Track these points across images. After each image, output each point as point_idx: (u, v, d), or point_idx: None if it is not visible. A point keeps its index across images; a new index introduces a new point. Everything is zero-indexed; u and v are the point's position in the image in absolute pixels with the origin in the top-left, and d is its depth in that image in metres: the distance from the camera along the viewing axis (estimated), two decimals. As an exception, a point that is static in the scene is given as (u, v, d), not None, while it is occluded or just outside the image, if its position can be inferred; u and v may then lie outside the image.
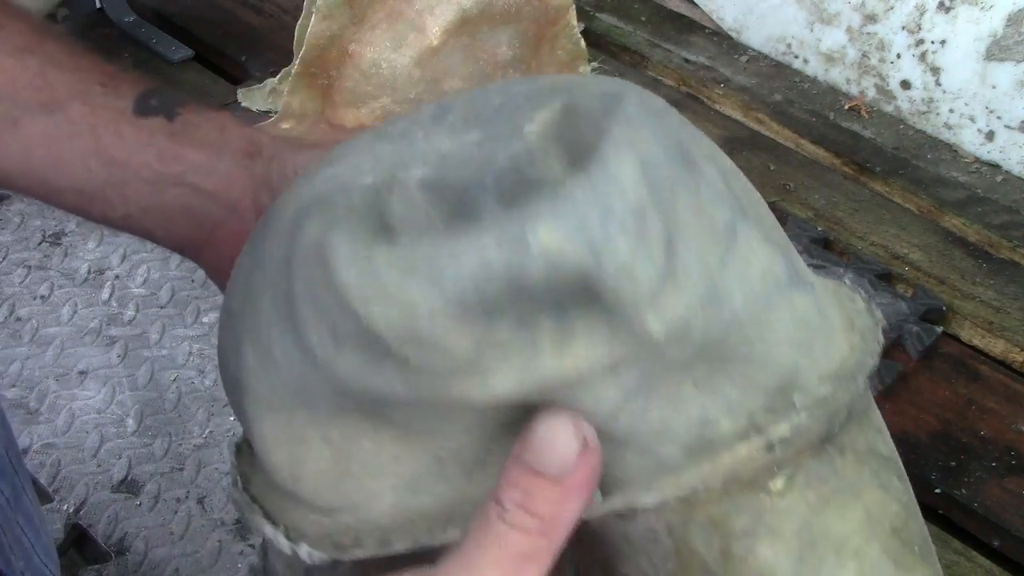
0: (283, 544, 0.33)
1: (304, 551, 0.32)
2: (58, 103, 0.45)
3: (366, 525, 0.32)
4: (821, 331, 0.32)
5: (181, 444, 0.80)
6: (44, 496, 0.77)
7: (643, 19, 1.30)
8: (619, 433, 0.31)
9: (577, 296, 0.27)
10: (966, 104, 1.11)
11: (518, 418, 0.31)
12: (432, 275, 0.27)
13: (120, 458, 0.80)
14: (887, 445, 0.35)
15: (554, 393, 0.29)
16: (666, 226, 0.28)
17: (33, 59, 0.45)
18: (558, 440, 0.29)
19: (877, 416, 0.35)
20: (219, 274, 0.47)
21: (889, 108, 1.17)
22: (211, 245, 0.46)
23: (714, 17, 1.28)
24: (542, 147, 0.28)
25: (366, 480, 0.32)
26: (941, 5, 1.10)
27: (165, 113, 0.46)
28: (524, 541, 0.28)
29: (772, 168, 1.07)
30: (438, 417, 0.30)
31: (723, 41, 1.27)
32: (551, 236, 0.26)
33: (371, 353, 0.28)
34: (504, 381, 0.28)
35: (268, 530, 0.33)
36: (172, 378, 0.85)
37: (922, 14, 1.11)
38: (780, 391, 0.31)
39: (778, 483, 0.31)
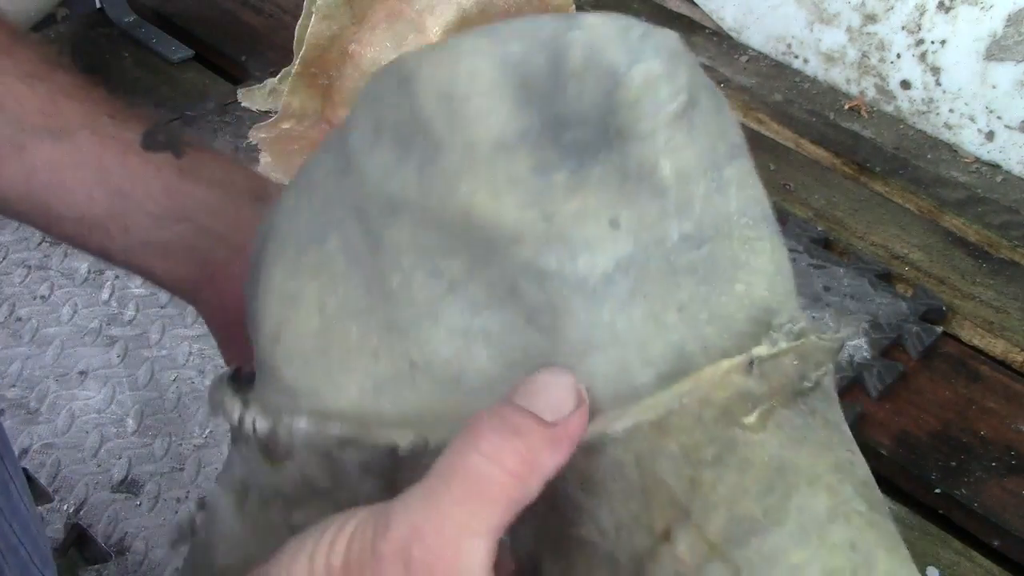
0: (234, 412, 0.33)
1: (250, 417, 0.33)
2: (66, 131, 0.45)
3: (318, 413, 0.32)
4: (793, 290, 0.33)
5: (181, 444, 0.80)
6: (44, 496, 0.77)
7: (643, 19, 1.30)
8: (600, 332, 0.30)
9: (600, 123, 0.29)
10: (966, 104, 1.11)
11: (504, 349, 0.31)
12: (484, 39, 0.30)
13: (120, 458, 0.80)
14: (851, 435, 0.35)
15: (554, 235, 0.30)
16: (691, 85, 0.31)
17: (43, 86, 0.45)
18: (557, 387, 0.29)
19: (841, 414, 0.35)
20: (217, 317, 0.47)
21: (889, 108, 1.17)
22: (212, 286, 0.46)
23: (714, 17, 1.28)
24: None
25: (337, 371, 0.32)
26: (941, 5, 1.09)
27: (173, 149, 0.45)
28: (498, 481, 0.27)
29: (772, 168, 1.07)
30: (433, 284, 0.31)
31: (723, 41, 1.27)
32: (598, 28, 0.29)
33: (402, 141, 0.30)
34: (512, 202, 0.29)
35: (227, 400, 0.33)
36: (172, 378, 0.85)
37: (922, 14, 1.11)
38: (757, 325, 0.32)
39: (751, 418, 0.31)
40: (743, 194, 0.32)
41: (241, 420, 0.33)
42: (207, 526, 0.36)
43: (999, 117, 1.09)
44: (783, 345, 0.31)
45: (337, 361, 0.32)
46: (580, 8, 1.17)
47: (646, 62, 0.30)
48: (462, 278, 0.31)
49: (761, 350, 0.31)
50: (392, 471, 0.32)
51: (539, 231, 0.30)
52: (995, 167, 1.10)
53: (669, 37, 0.30)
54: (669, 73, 0.30)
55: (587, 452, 0.30)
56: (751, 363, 0.31)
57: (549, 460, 0.28)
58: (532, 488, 0.28)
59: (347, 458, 0.32)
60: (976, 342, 0.92)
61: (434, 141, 0.30)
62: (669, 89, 0.30)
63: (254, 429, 0.33)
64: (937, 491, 0.79)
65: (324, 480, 0.32)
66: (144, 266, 0.46)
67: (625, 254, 0.30)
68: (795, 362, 0.31)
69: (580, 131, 0.29)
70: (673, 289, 0.31)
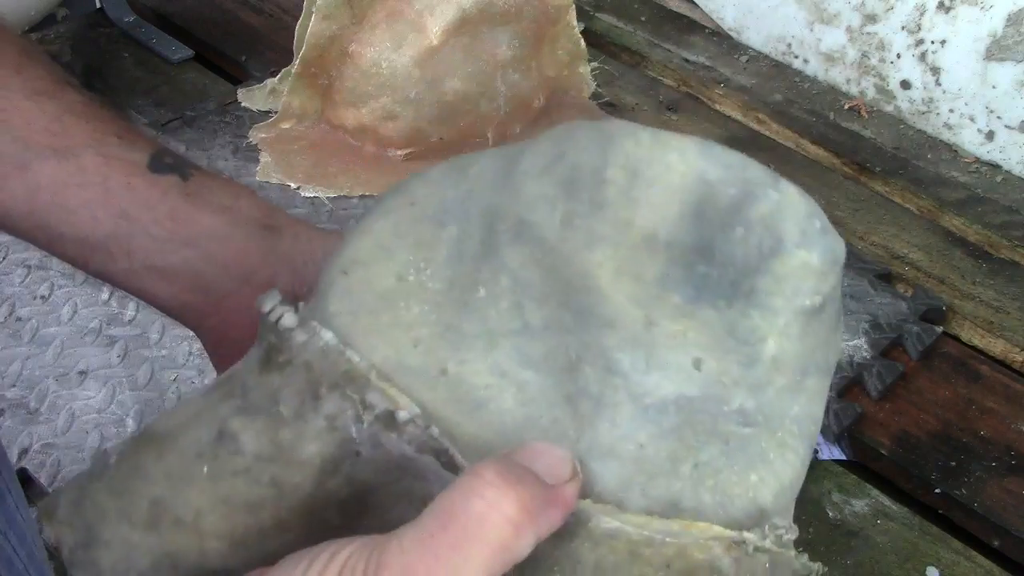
0: (270, 303, 0.34)
1: (282, 311, 0.33)
2: (71, 150, 0.44)
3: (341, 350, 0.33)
4: (792, 504, 0.35)
5: (181, 444, 0.80)
6: (44, 496, 0.77)
7: (643, 19, 1.30)
8: (627, 446, 0.31)
9: (739, 275, 0.30)
10: (966, 104, 1.11)
11: (532, 409, 0.32)
12: (695, 148, 0.31)
13: (120, 458, 0.79)
14: None
15: (643, 341, 0.31)
16: (831, 293, 0.32)
17: (51, 104, 0.45)
18: (555, 456, 0.30)
19: None
20: (220, 346, 0.46)
21: (889, 108, 1.17)
22: (218, 315, 0.45)
23: (714, 17, 1.28)
24: None
25: (375, 333, 0.33)
26: (941, 5, 1.09)
27: (179, 172, 0.45)
28: (496, 526, 0.27)
29: (772, 168, 1.06)
30: (509, 317, 0.32)
31: (723, 41, 1.27)
32: (791, 199, 0.31)
33: (570, 185, 0.31)
34: (626, 292, 0.31)
35: (270, 297, 0.34)
36: (172, 378, 0.85)
37: (922, 14, 1.11)
38: (748, 519, 0.33)
39: None
40: (808, 406, 0.34)
41: (272, 310, 0.34)
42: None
43: (999, 117, 1.09)
44: (767, 544, 0.33)
45: (381, 326, 0.33)
46: (580, 8, 1.17)
47: (812, 252, 0.31)
48: (537, 328, 0.32)
49: (751, 537, 0.32)
50: (349, 457, 0.32)
51: (633, 330, 0.31)
52: (995, 167, 1.10)
53: (840, 245, 0.32)
54: (823, 273, 0.31)
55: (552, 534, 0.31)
56: (737, 543, 0.32)
57: (544, 519, 0.28)
58: (525, 543, 0.27)
59: (325, 405, 0.32)
60: (976, 342, 0.92)
61: (598, 202, 0.31)
62: (815, 286, 0.31)
63: (278, 320, 0.33)
64: (937, 491, 0.79)
65: (289, 407, 0.32)
66: (147, 290, 0.46)
67: (688, 395, 0.32)
68: (767, 565, 0.33)
69: (718, 270, 0.31)
70: (702, 446, 0.32)
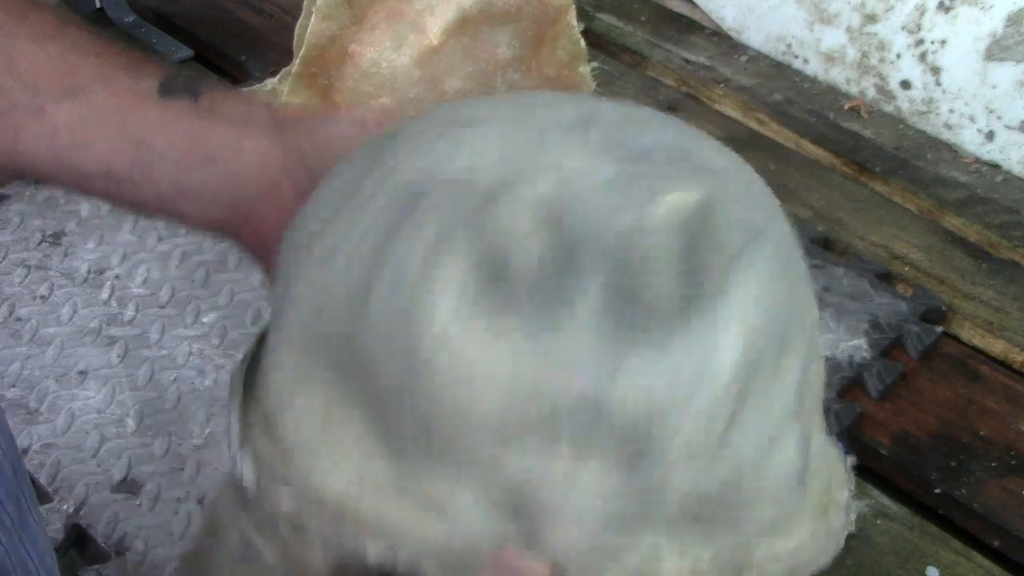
0: (234, 442, 0.35)
1: (241, 461, 0.34)
2: (81, 87, 0.45)
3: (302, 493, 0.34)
4: (795, 514, 0.36)
5: (181, 444, 0.80)
6: (44, 496, 0.77)
7: (643, 19, 1.30)
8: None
9: (626, 434, 0.30)
10: (966, 104, 1.11)
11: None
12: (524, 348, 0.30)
13: (120, 458, 0.80)
14: None
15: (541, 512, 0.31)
16: (734, 413, 0.31)
17: (55, 46, 0.45)
18: (524, 560, 0.32)
19: None
20: (261, 252, 0.47)
21: (889, 108, 1.17)
22: (251, 225, 0.46)
23: (714, 17, 1.28)
24: (664, 259, 0.30)
25: (327, 455, 0.33)
26: (941, 5, 1.09)
27: (190, 94, 0.46)
28: None
29: (772, 168, 1.07)
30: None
31: (723, 41, 1.27)
32: (640, 383, 0.29)
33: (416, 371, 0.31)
34: (517, 463, 0.31)
35: (232, 424, 0.35)
36: (172, 378, 0.85)
37: (922, 14, 1.11)
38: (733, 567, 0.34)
39: None
40: (776, 473, 0.34)
41: (235, 457, 0.35)
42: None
43: (999, 117, 1.09)
44: None
45: (332, 446, 0.33)
46: (580, 8, 1.17)
47: (683, 426, 0.31)
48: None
49: None
50: (354, 563, 0.33)
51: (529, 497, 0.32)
52: (995, 167, 1.10)
53: (723, 369, 0.31)
54: (710, 424, 0.31)
55: None
56: None
57: None
58: None
59: (310, 534, 0.33)
60: (976, 342, 0.92)
61: (430, 384, 0.31)
62: (704, 445, 0.31)
63: (242, 472, 0.35)
64: (937, 491, 0.79)
65: (286, 531, 0.34)
66: (180, 212, 0.47)
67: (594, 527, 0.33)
68: None
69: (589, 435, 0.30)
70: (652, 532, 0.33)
